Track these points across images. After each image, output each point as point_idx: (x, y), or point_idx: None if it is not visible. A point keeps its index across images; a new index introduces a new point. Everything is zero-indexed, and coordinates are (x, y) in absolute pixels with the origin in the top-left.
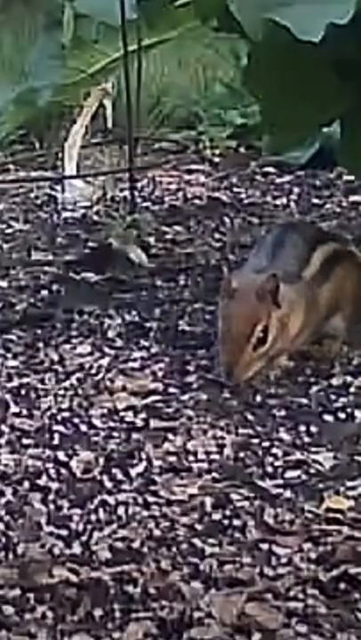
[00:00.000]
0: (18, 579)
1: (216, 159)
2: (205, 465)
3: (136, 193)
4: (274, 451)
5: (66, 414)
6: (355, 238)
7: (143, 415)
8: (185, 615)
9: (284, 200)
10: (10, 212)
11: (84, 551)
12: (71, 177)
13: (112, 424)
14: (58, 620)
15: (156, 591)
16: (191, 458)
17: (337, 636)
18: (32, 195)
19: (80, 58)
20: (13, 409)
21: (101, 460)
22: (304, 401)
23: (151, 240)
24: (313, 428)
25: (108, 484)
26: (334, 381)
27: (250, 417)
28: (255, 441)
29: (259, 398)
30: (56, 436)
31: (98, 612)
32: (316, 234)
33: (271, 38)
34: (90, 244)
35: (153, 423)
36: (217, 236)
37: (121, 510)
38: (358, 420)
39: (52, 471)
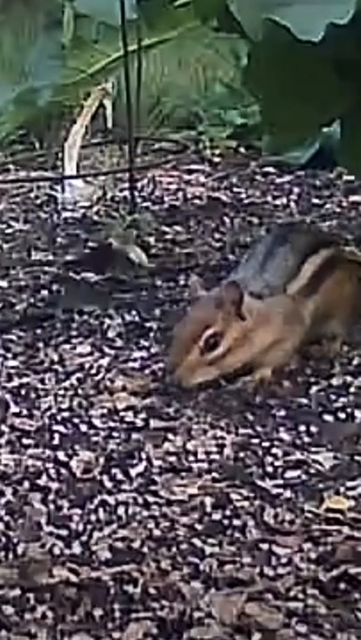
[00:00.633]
0: (18, 579)
1: (216, 159)
2: (205, 465)
3: (136, 193)
4: (274, 451)
5: (66, 414)
6: (355, 238)
7: (143, 415)
8: (185, 615)
9: (284, 200)
10: (10, 212)
11: (84, 551)
12: (71, 177)
13: (112, 424)
14: (58, 620)
15: (156, 591)
16: (191, 458)
17: (337, 636)
18: (32, 195)
19: (80, 58)
20: (13, 409)
21: (101, 460)
22: (304, 401)
23: (151, 240)
24: (313, 428)
25: (108, 484)
26: (334, 381)
27: (250, 417)
28: (255, 441)
29: (259, 398)
30: (56, 436)
31: (98, 612)
32: (311, 241)
33: (271, 38)
34: (90, 243)
35: (153, 423)
36: (217, 235)
37: (121, 510)
38: (358, 420)
39: (52, 471)
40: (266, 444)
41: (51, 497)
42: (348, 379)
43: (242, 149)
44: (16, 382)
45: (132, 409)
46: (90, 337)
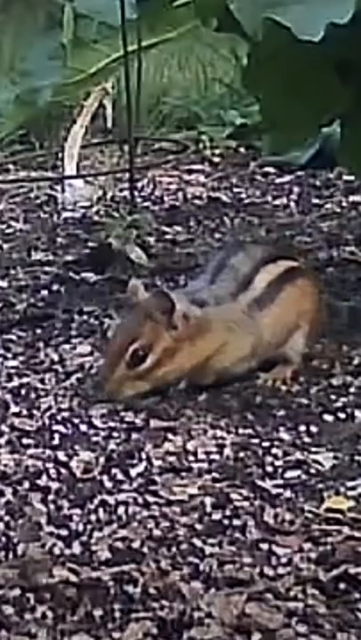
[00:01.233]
0: (18, 579)
1: (216, 159)
2: (205, 465)
3: (136, 193)
4: (274, 451)
5: (66, 414)
6: (355, 238)
7: (143, 415)
8: (185, 615)
9: (285, 200)
10: (10, 212)
11: (84, 551)
12: (71, 177)
13: (112, 424)
14: (58, 619)
15: (156, 591)
16: (191, 458)
17: (337, 636)
18: (32, 195)
19: (80, 58)
20: (13, 409)
21: (101, 460)
22: (304, 401)
23: (151, 240)
24: (313, 428)
25: (108, 484)
26: (334, 381)
27: (250, 417)
28: (255, 441)
29: (259, 398)
30: (56, 436)
31: (98, 612)
32: (267, 252)
33: (271, 38)
34: (90, 243)
35: (153, 423)
36: (217, 235)
37: (121, 510)
38: (358, 420)
39: (52, 471)
40: (266, 443)
41: (51, 497)
42: (348, 379)
43: (242, 149)
44: (16, 382)
45: (131, 409)
46: (90, 337)
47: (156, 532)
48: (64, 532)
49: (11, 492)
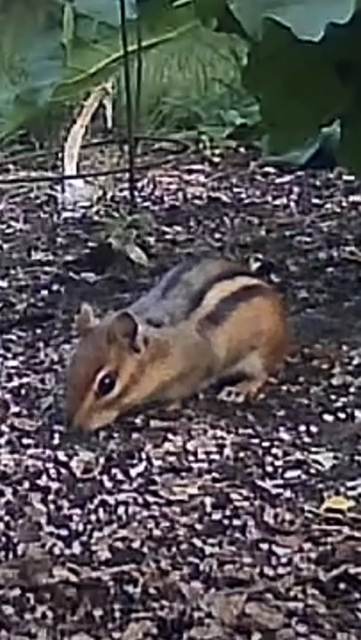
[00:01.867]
0: (18, 579)
1: (216, 159)
2: (205, 465)
3: (136, 193)
4: (274, 451)
5: (66, 414)
6: (355, 238)
7: (143, 415)
8: (185, 615)
9: (285, 200)
10: (10, 212)
11: (84, 551)
12: (71, 177)
13: (112, 424)
14: (58, 619)
15: (156, 591)
16: (191, 458)
17: (337, 636)
18: (32, 195)
19: (80, 58)
20: (13, 409)
21: (101, 460)
22: (304, 401)
23: (151, 240)
24: (313, 428)
25: (108, 484)
26: (334, 381)
27: (250, 417)
28: (255, 441)
29: (259, 398)
30: (56, 436)
31: (98, 612)
32: (223, 268)
33: (271, 38)
34: (90, 243)
35: (153, 423)
36: (217, 235)
37: (121, 510)
38: (358, 420)
39: (52, 471)
40: (266, 443)
41: (51, 497)
42: (349, 379)
43: (242, 149)
44: (16, 382)
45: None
46: None
47: (156, 532)
48: (64, 532)
49: (11, 492)
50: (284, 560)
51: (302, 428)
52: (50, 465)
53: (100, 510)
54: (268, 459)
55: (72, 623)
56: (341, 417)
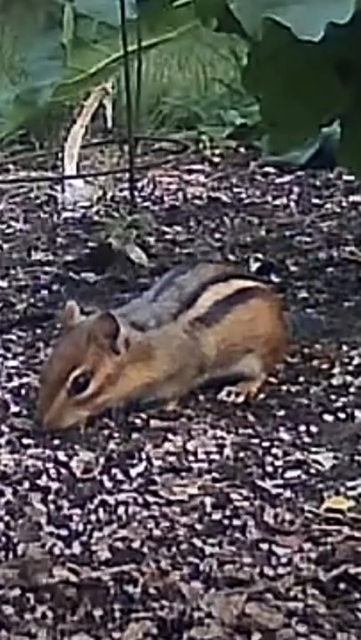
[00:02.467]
0: (18, 579)
1: (216, 159)
2: (205, 465)
3: (136, 193)
4: (274, 451)
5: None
6: (355, 238)
7: (143, 415)
8: (185, 615)
9: (285, 200)
10: (10, 211)
11: (84, 551)
12: (71, 177)
13: (112, 424)
14: (58, 619)
15: (156, 591)
16: (191, 458)
17: (337, 636)
18: (32, 195)
19: (80, 58)
20: (13, 409)
21: (101, 460)
22: (304, 401)
23: (151, 240)
24: (313, 428)
25: (108, 484)
26: (334, 381)
27: (250, 417)
28: (255, 441)
29: (259, 398)
30: (56, 435)
31: (98, 612)
32: (218, 271)
33: (271, 38)
34: (90, 243)
35: (153, 423)
36: (217, 235)
37: (121, 510)
38: (358, 420)
39: (52, 471)
40: (266, 443)
41: (51, 497)
42: (349, 379)
43: (242, 149)
44: (16, 382)
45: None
46: None
47: (156, 532)
48: (64, 532)
49: (11, 492)
50: (284, 560)
51: (302, 427)
52: (50, 465)
53: (100, 510)
54: (268, 459)
55: (72, 623)
56: (341, 417)
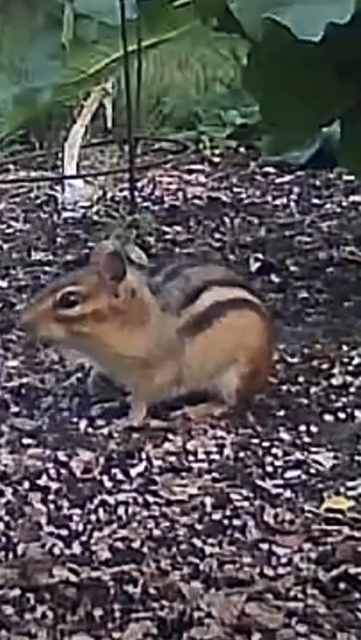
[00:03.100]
0: (18, 579)
1: (216, 159)
2: (205, 465)
3: (136, 193)
4: (274, 451)
5: (66, 414)
6: (355, 238)
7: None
8: (185, 615)
9: (285, 200)
10: (10, 211)
11: (84, 551)
12: (71, 177)
13: (112, 424)
14: (58, 619)
15: (156, 591)
16: (191, 458)
17: (337, 636)
18: (32, 195)
19: (80, 58)
20: (13, 409)
21: (101, 460)
22: (304, 401)
23: (151, 240)
24: (313, 428)
25: (108, 484)
26: (334, 381)
27: (250, 417)
28: (255, 441)
29: (259, 398)
30: (56, 435)
31: (98, 612)
32: (219, 275)
33: (271, 38)
34: (90, 244)
35: (153, 423)
36: (217, 235)
37: (121, 510)
38: (358, 420)
39: (52, 471)
40: (266, 443)
41: (51, 497)
42: (349, 379)
43: (242, 149)
44: (16, 382)
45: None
46: None
47: (156, 532)
48: (64, 532)
49: (11, 492)
50: (284, 560)
51: (302, 427)
52: (50, 465)
53: (100, 510)
54: (268, 459)
55: (72, 623)
56: (341, 417)
